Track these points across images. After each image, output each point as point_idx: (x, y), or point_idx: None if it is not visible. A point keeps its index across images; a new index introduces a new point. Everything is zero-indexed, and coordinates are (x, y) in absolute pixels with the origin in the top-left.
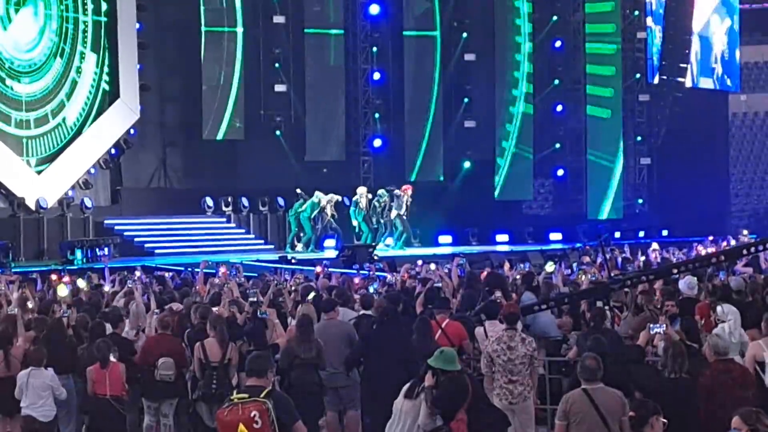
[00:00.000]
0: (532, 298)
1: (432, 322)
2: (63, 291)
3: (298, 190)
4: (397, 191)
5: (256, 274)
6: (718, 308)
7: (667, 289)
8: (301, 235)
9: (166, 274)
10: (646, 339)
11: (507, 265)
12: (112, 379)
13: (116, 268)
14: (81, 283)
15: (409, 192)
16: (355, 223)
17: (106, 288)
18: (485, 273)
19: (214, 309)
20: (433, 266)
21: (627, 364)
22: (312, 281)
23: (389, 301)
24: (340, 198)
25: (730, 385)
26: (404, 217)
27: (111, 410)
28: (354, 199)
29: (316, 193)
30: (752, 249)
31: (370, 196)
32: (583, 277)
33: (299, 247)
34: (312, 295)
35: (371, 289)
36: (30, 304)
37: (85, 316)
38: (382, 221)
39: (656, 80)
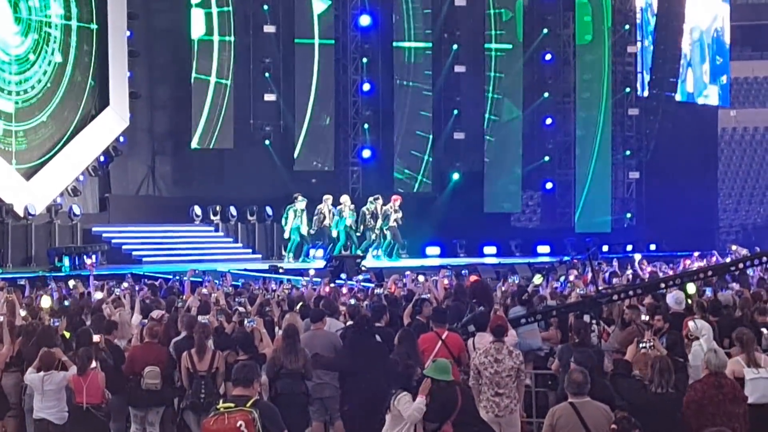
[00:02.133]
0: (522, 312)
1: (432, 335)
2: (46, 302)
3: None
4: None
5: (240, 284)
6: (691, 324)
7: (653, 304)
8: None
9: (155, 283)
10: (633, 353)
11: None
12: (90, 387)
13: (103, 276)
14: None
15: (398, 203)
16: (335, 233)
17: (98, 295)
18: (471, 279)
19: (202, 318)
20: (421, 278)
21: (612, 378)
22: (299, 290)
23: (371, 312)
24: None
25: (721, 399)
26: (395, 228)
27: (89, 418)
28: (338, 208)
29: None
30: (741, 265)
31: (353, 206)
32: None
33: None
34: (300, 305)
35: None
36: (20, 311)
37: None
38: (369, 231)
39: (646, 93)
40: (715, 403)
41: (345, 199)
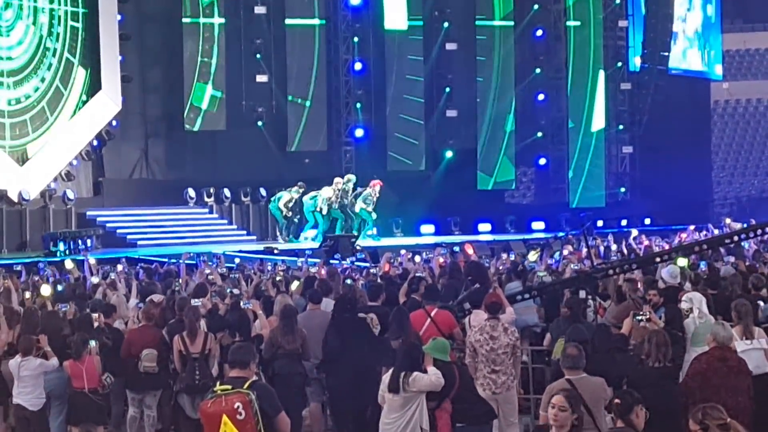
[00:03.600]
0: (519, 287)
1: (420, 312)
2: (46, 290)
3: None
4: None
5: (234, 265)
6: (684, 304)
7: (648, 278)
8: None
9: (151, 267)
10: (629, 327)
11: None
12: (89, 372)
13: (98, 260)
14: (69, 264)
15: (377, 188)
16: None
17: (95, 280)
18: (467, 250)
19: (197, 300)
20: (417, 258)
21: (610, 353)
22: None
23: (366, 292)
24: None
25: (726, 372)
26: (370, 211)
27: (89, 402)
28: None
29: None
30: (735, 238)
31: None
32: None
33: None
34: (296, 284)
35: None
36: (14, 296)
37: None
38: (347, 210)
39: (638, 63)
40: (720, 376)
41: (337, 180)
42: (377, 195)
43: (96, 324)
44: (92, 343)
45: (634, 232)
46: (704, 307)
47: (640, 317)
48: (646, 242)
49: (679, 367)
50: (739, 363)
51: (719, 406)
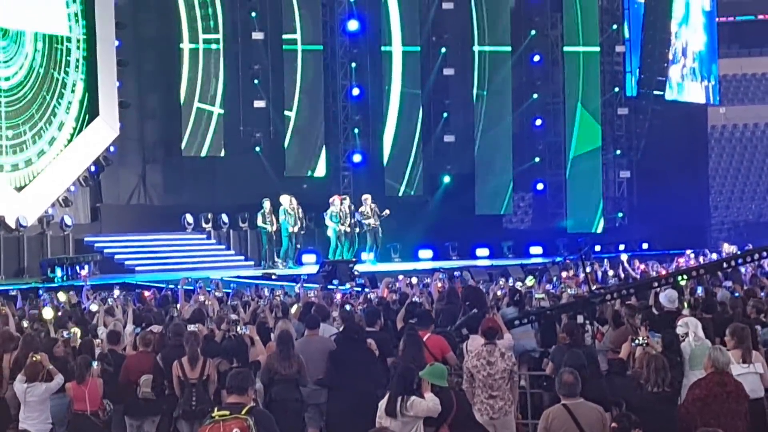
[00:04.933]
0: (514, 313)
1: None
2: (48, 313)
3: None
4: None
5: (231, 290)
6: (679, 329)
7: (643, 304)
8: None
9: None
10: (627, 352)
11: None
12: (91, 394)
13: (97, 286)
14: (62, 297)
15: (338, 202)
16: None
17: (94, 307)
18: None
19: (194, 326)
20: (414, 280)
21: (608, 377)
22: (293, 297)
23: (364, 318)
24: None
25: (725, 398)
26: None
27: (91, 425)
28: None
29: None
30: (732, 262)
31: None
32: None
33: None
34: (295, 308)
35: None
36: (11, 322)
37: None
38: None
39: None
40: (719, 402)
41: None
42: (344, 209)
43: (98, 350)
44: (94, 364)
45: (624, 257)
46: (700, 332)
47: (637, 342)
48: (642, 266)
49: (678, 391)
50: (737, 387)
51: (719, 431)
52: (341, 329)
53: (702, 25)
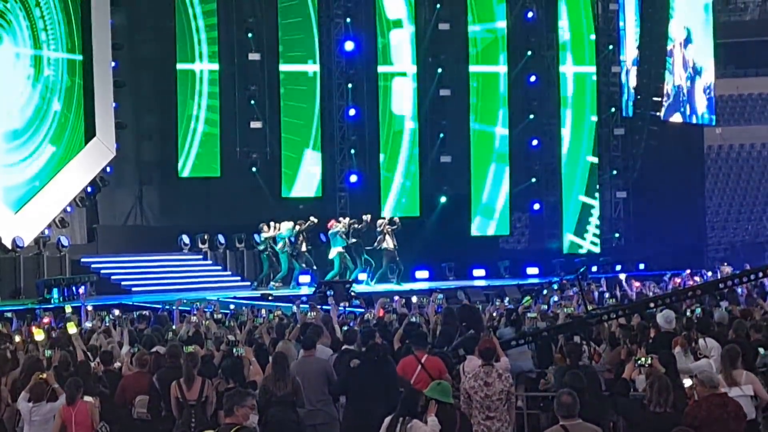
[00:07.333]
0: (511, 333)
1: (411, 357)
2: (39, 335)
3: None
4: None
5: (229, 312)
6: (701, 341)
7: (642, 324)
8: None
9: (144, 313)
10: (630, 371)
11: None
12: (79, 418)
13: (94, 306)
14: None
15: (329, 225)
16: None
17: (88, 325)
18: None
19: (191, 347)
20: (414, 299)
21: (612, 397)
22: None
23: (360, 337)
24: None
25: (725, 418)
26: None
27: None
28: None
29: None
30: (729, 282)
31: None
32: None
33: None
34: (294, 328)
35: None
36: (9, 344)
37: (66, 355)
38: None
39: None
40: (720, 422)
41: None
42: (339, 229)
43: (94, 371)
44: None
45: (623, 276)
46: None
47: (641, 362)
48: (637, 284)
49: (681, 412)
50: (737, 408)
51: None
52: (364, 350)
53: (698, 46)
